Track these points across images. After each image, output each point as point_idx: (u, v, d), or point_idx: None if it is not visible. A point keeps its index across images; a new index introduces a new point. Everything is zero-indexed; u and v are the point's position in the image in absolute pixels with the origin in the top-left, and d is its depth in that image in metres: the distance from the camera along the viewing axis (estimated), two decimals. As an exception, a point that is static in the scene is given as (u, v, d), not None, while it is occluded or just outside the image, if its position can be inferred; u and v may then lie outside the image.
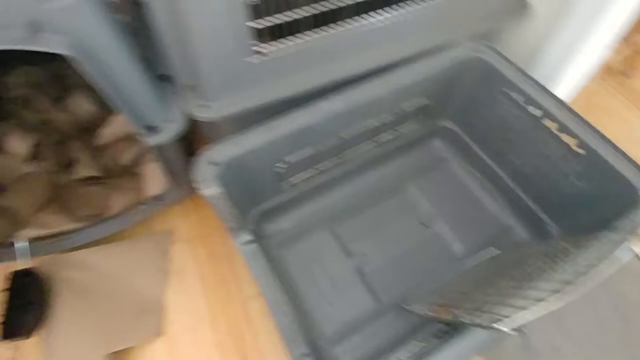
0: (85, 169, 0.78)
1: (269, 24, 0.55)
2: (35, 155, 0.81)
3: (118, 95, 0.53)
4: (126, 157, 0.84)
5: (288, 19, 0.56)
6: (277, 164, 0.66)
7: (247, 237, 0.65)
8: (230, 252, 0.80)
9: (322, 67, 0.65)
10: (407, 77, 0.69)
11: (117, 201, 0.79)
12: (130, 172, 0.84)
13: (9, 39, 0.43)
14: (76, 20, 0.46)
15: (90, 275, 0.72)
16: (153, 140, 0.59)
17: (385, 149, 0.82)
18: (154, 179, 0.79)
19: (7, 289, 0.68)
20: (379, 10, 0.64)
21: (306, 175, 0.74)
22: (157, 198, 0.77)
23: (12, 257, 0.70)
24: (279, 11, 0.55)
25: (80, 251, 0.75)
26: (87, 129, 0.86)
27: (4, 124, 0.83)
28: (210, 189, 0.55)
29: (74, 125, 0.86)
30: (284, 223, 0.79)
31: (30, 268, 0.71)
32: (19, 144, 0.79)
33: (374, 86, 0.66)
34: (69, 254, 0.75)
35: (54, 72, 0.92)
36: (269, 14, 0.55)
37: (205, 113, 0.61)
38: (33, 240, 0.73)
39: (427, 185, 0.85)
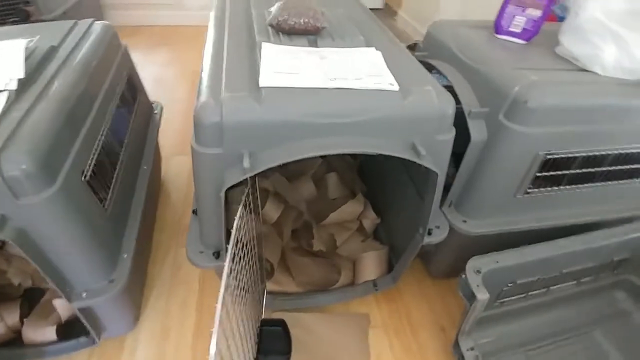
0: (319, 245, 0.93)
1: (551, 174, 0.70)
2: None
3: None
4: (341, 239, 0.98)
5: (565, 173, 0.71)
6: (510, 284, 0.75)
7: (471, 343, 0.73)
8: (423, 349, 0.86)
9: (570, 211, 0.78)
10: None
11: (333, 276, 0.91)
12: (337, 254, 0.98)
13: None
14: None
15: (313, 339, 0.81)
16: (428, 240, 0.72)
17: (580, 289, 0.88)
18: (372, 266, 0.91)
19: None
20: None
21: (515, 298, 0.82)
22: (373, 283, 0.89)
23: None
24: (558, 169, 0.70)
25: (303, 314, 0.86)
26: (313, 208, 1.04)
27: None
28: (481, 294, 0.65)
29: (303, 203, 1.04)
30: (483, 338, 0.84)
31: (277, 319, 0.80)
32: (272, 210, 0.98)
33: (607, 235, 0.77)
34: (296, 314, 0.85)
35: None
36: (552, 168, 0.70)
37: (465, 227, 0.74)
38: (269, 293, 0.86)
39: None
